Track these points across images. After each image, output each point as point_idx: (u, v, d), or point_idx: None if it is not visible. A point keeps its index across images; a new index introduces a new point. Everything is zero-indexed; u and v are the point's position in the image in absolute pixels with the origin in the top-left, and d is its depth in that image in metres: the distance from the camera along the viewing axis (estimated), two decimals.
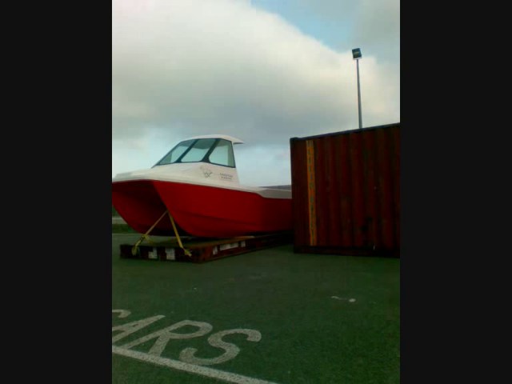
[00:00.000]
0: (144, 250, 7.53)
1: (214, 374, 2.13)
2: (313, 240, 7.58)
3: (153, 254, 7.39)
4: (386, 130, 6.83)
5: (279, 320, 3.13)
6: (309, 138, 7.74)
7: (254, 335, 2.76)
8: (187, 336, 2.79)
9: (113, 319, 3.26)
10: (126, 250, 7.80)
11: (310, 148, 7.69)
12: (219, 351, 2.47)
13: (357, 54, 19.74)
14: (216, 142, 8.35)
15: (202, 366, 2.25)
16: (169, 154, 8.60)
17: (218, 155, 8.49)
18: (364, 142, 7.08)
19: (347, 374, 2.10)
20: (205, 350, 2.49)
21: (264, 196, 9.28)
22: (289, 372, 2.13)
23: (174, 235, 7.23)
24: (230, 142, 8.81)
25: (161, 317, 3.33)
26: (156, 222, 7.43)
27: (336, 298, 3.86)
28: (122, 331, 2.96)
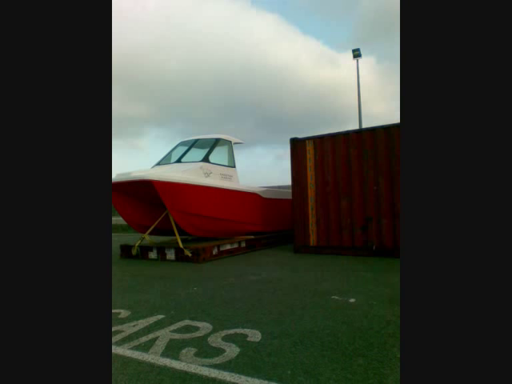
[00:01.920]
0: (144, 250, 7.53)
1: (214, 373, 2.13)
2: (313, 240, 7.58)
3: (153, 254, 7.39)
4: (386, 129, 6.84)
5: (279, 320, 3.13)
6: (309, 138, 7.74)
7: (254, 335, 2.76)
8: (187, 336, 2.79)
9: (113, 319, 3.26)
10: (126, 250, 7.80)
11: (309, 148, 7.69)
12: (219, 351, 2.47)
13: (357, 54, 19.76)
14: (216, 142, 8.35)
15: (202, 365, 2.25)
16: (169, 154, 8.60)
17: (218, 155, 8.49)
18: (364, 142, 7.08)
19: (347, 373, 2.10)
20: (205, 350, 2.49)
21: (264, 196, 9.28)
22: (289, 372, 2.13)
23: (174, 235, 7.23)
24: (230, 142, 8.81)
25: (161, 317, 3.33)
26: (156, 222, 7.43)
27: (336, 297, 3.86)
28: (122, 331, 2.96)
